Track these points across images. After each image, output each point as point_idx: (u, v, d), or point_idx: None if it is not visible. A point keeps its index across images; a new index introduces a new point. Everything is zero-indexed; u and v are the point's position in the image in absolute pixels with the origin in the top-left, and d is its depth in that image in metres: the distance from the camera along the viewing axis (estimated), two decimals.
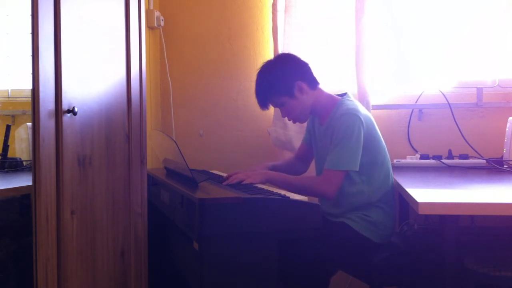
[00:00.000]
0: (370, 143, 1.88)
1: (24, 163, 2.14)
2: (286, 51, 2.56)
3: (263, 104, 2.01)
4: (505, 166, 2.20)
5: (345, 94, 2.01)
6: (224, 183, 1.85)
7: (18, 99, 2.36)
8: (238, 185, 1.82)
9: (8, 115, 2.33)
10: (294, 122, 2.06)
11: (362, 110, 1.91)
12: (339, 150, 1.83)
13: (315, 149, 2.12)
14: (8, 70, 2.31)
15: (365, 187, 1.90)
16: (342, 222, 1.90)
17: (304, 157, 2.24)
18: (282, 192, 1.74)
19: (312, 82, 1.99)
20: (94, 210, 1.60)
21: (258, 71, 2.01)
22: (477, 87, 2.41)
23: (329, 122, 1.94)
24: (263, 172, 1.96)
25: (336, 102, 1.96)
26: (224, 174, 2.15)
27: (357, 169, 1.84)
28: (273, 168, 2.15)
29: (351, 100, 1.95)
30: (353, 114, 1.85)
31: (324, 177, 1.86)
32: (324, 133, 1.98)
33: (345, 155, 1.82)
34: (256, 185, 1.86)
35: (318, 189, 1.87)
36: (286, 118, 2.53)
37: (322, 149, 2.02)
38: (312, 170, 2.24)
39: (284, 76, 1.95)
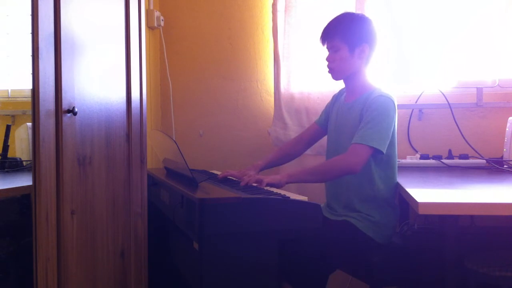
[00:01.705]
0: (392, 140, 1.88)
1: (24, 163, 2.14)
2: (286, 51, 2.57)
3: (325, 37, 1.99)
4: (505, 166, 2.20)
5: None
6: (241, 184, 1.82)
7: (18, 99, 2.35)
8: (239, 185, 1.82)
9: (8, 115, 2.33)
10: (330, 72, 2.00)
11: (396, 105, 1.90)
12: (371, 127, 1.81)
13: (330, 127, 2.09)
14: (8, 70, 2.31)
15: (376, 179, 1.89)
16: (345, 220, 1.89)
17: (309, 137, 2.20)
18: (282, 192, 1.74)
19: (370, 58, 1.98)
20: (94, 210, 1.60)
21: (345, 12, 2.02)
22: (477, 87, 2.40)
23: (360, 100, 1.91)
24: (282, 174, 1.89)
25: (373, 87, 1.95)
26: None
27: (384, 152, 1.81)
28: (267, 165, 2.14)
29: (389, 92, 1.93)
30: (392, 102, 1.86)
31: (351, 151, 1.81)
32: (349, 110, 1.96)
33: (376, 133, 1.80)
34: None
35: (344, 163, 1.81)
36: (286, 119, 2.58)
37: (341, 125, 1.99)
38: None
39: (360, 31, 1.95)
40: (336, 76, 2.01)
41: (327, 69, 2.01)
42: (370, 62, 2.00)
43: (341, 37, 1.94)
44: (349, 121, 1.94)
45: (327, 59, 2.00)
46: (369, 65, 2.00)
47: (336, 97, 2.14)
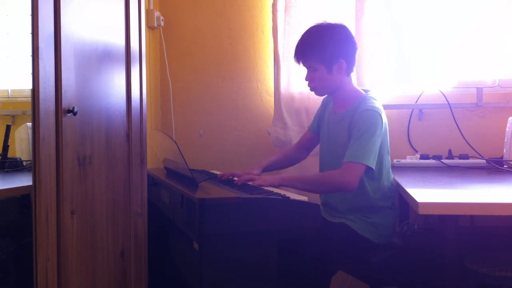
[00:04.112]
0: (382, 148, 1.88)
1: (24, 163, 2.14)
2: (286, 51, 2.57)
3: (298, 59, 1.97)
4: (505, 166, 2.20)
5: (368, 91, 1.99)
6: (236, 182, 1.84)
7: (18, 99, 2.35)
8: (240, 185, 1.82)
9: (8, 115, 2.33)
10: (312, 90, 2.00)
11: (383, 113, 1.89)
12: (361, 143, 1.80)
13: (322, 135, 2.09)
14: (8, 70, 2.31)
15: (370, 191, 1.90)
16: (342, 222, 1.90)
17: (308, 144, 2.21)
18: (282, 192, 1.74)
19: (351, 67, 1.95)
20: (94, 210, 1.60)
21: (315, 25, 1.95)
22: (477, 87, 2.40)
23: (349, 112, 1.91)
24: (276, 176, 1.93)
25: (360, 96, 1.94)
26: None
27: (374, 168, 1.82)
28: (269, 166, 2.15)
29: (376, 100, 1.93)
30: (378, 114, 1.85)
31: (345, 169, 1.81)
32: (338, 122, 1.96)
33: (366, 150, 1.80)
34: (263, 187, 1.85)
35: (339, 181, 1.81)
36: (286, 119, 2.58)
37: (333, 136, 2.00)
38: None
39: (335, 48, 1.91)
40: (319, 94, 2.02)
41: (309, 88, 1.99)
42: (353, 70, 1.97)
43: (315, 58, 1.91)
44: (339, 134, 1.94)
45: (306, 78, 1.98)
46: (352, 72, 1.98)
47: (325, 103, 2.13)
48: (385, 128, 1.90)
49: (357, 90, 1.98)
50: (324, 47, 1.91)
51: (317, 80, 1.95)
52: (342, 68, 1.91)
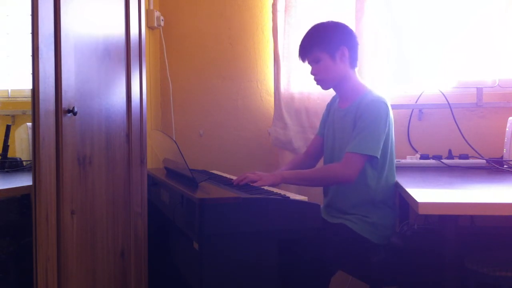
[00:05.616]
0: (388, 141, 1.89)
1: (24, 163, 2.14)
2: (286, 51, 2.58)
3: (303, 52, 1.99)
4: (505, 166, 2.20)
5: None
6: (234, 183, 1.84)
7: (18, 99, 2.35)
8: (240, 185, 1.82)
9: (8, 115, 2.33)
10: (318, 83, 2.01)
11: (389, 103, 1.90)
12: (365, 135, 1.82)
13: (327, 133, 2.09)
14: (8, 70, 2.31)
15: (373, 183, 1.90)
16: (342, 223, 1.90)
17: (315, 150, 2.20)
18: (282, 192, 1.74)
19: (354, 60, 1.98)
20: (94, 210, 1.60)
21: (315, 24, 2.02)
22: (477, 87, 2.40)
23: (354, 106, 1.92)
24: (276, 173, 1.93)
25: (365, 90, 1.96)
26: (225, 174, 2.16)
27: (378, 156, 1.83)
28: None
29: (380, 93, 1.94)
30: (384, 104, 1.86)
31: (345, 161, 1.84)
32: (344, 117, 1.97)
33: (369, 141, 1.82)
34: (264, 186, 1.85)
35: (339, 173, 1.84)
36: (286, 119, 2.58)
37: (337, 131, 2.00)
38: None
39: (335, 35, 1.96)
40: (325, 86, 2.02)
41: (315, 82, 2.01)
42: (357, 64, 1.99)
43: (318, 47, 1.95)
44: (345, 128, 1.94)
45: (312, 72, 2.00)
46: (356, 68, 2.00)
47: (330, 105, 2.15)
48: (391, 119, 1.91)
49: (362, 85, 1.99)
50: (325, 36, 1.95)
51: (322, 71, 1.96)
52: (344, 55, 1.94)
